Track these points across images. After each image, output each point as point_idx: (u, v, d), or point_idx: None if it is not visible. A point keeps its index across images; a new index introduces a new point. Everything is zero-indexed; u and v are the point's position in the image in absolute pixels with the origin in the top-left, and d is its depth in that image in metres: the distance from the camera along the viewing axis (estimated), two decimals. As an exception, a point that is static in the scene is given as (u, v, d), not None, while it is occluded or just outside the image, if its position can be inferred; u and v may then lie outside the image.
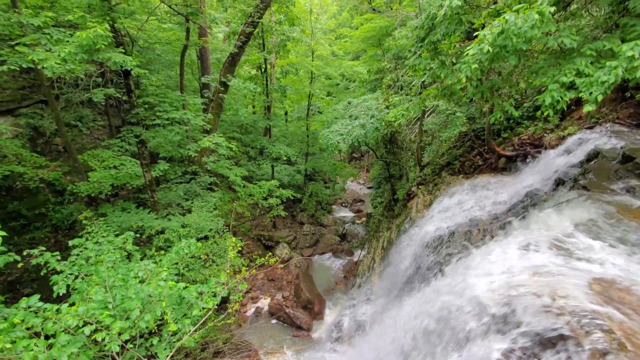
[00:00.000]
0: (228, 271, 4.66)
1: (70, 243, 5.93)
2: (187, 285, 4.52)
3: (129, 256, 6.27)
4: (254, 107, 20.01)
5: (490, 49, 3.81)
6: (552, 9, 3.65)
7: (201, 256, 7.63)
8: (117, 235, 6.47)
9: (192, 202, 9.20)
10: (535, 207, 5.45)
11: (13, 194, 9.91)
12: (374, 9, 17.49)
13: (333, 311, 12.44)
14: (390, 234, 12.60)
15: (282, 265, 12.11)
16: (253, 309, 11.71)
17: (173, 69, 14.16)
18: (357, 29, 19.14)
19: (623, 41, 4.04)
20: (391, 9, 15.73)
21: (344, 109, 14.53)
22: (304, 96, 18.45)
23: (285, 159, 15.56)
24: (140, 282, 5.08)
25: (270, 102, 16.45)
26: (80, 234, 6.53)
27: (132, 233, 5.95)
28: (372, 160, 25.20)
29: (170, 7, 9.60)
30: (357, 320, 10.19)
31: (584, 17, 6.78)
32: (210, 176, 10.49)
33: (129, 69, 7.29)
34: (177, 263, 7.33)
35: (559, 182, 6.42)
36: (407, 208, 12.47)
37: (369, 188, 26.07)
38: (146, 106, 9.41)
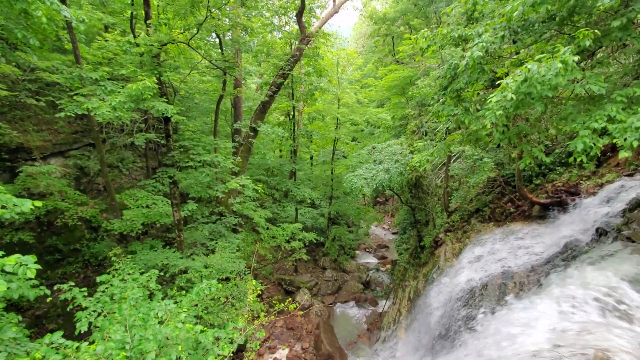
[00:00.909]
0: (246, 316, 4.52)
1: (98, 279, 6.06)
2: (204, 329, 4.41)
3: (151, 295, 6.30)
4: (280, 150, 20.79)
5: (514, 97, 3.83)
6: (576, 57, 3.68)
7: (221, 298, 7.52)
8: (142, 273, 6.57)
9: (216, 243, 9.31)
10: (575, 260, 5.03)
11: (53, 229, 10.51)
12: (397, 61, 18.38)
13: (355, 368, 11.53)
14: (417, 283, 11.92)
15: (301, 313, 11.62)
16: (270, 360, 11.09)
17: (209, 115, 15.25)
18: (381, 79, 20.04)
19: (656, 88, 3.95)
20: (414, 60, 16.46)
21: (369, 154, 14.73)
22: (330, 141, 19.01)
23: (309, 201, 15.68)
24: (159, 322, 5.02)
25: (296, 146, 17.07)
26: (107, 271, 6.70)
27: (156, 271, 6.03)
28: (396, 205, 24.78)
29: (210, 62, 10.60)
30: (382, 379, 9.35)
31: (611, 65, 6.75)
32: (236, 217, 10.69)
33: (169, 116, 7.93)
34: (196, 305, 7.26)
35: (601, 233, 5.96)
36: (434, 256, 11.89)
37: (393, 234, 25.32)
38: (182, 149, 10.05)
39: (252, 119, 12.24)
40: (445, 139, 8.23)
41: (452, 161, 14.44)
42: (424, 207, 14.55)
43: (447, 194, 13.61)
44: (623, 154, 3.58)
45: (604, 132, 4.09)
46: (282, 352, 11.59)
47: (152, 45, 8.25)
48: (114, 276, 6.39)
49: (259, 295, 12.52)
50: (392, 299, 13.85)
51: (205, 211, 10.97)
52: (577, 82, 4.48)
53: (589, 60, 6.59)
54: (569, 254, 6.08)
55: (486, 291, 6.89)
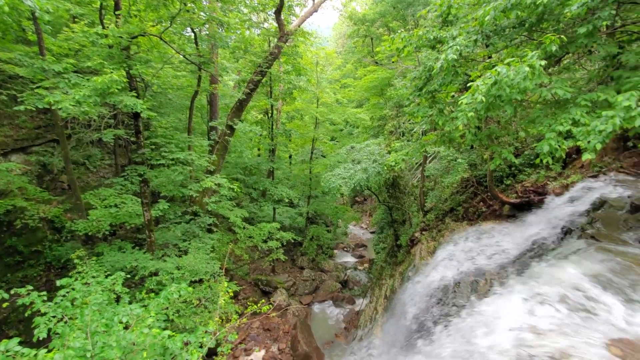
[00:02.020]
0: (217, 319, 4.37)
1: (58, 283, 5.70)
2: (172, 333, 4.22)
3: (118, 299, 6.00)
4: (259, 149, 20.50)
5: (484, 99, 3.90)
6: (543, 62, 3.79)
7: (193, 301, 7.27)
8: (107, 276, 6.24)
9: (189, 243, 9.01)
10: (542, 257, 5.21)
11: (13, 229, 9.84)
12: (376, 62, 18.57)
13: (332, 367, 11.52)
14: (394, 281, 12.07)
15: (274, 315, 11.47)
16: (246, 362, 10.88)
17: (183, 112, 14.78)
18: (360, 79, 20.19)
19: (618, 92, 4.13)
20: (392, 61, 16.68)
21: (347, 154, 14.78)
22: (308, 140, 18.93)
23: (287, 201, 15.53)
24: (125, 328, 4.77)
25: (274, 145, 16.86)
26: (70, 274, 6.32)
27: (122, 274, 5.74)
28: (374, 205, 25.06)
29: (184, 56, 10.25)
30: (358, 378, 9.38)
31: (577, 71, 7.06)
32: (211, 217, 10.39)
33: (139, 111, 7.58)
34: (167, 308, 6.98)
35: (567, 231, 6.22)
36: (410, 255, 12.08)
37: (371, 233, 25.59)
38: (153, 147, 9.65)
39: (229, 116, 11.96)
40: (421, 139, 8.36)
41: (428, 162, 14.75)
42: (400, 207, 14.77)
43: (423, 193, 13.87)
44: (587, 156, 3.72)
45: (569, 135, 4.25)
46: (258, 354, 11.41)
47: (121, 37, 7.86)
48: (76, 279, 6.03)
49: (234, 297, 12.26)
50: (369, 297, 13.97)
51: (178, 211, 10.60)
52: (545, 87, 4.64)
53: (556, 66, 6.87)
54: (537, 252, 6.31)
55: (459, 289, 7.04)
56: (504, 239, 8.35)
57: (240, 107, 12.13)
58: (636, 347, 2.55)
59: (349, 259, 21.21)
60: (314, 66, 18.11)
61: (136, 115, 8.46)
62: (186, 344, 4.24)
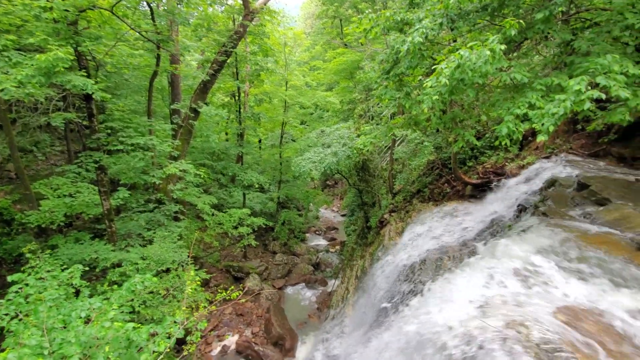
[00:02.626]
0: (184, 308, 4.27)
1: (9, 279, 5.30)
2: (138, 325, 4.08)
3: (77, 293, 5.70)
4: (226, 134, 19.83)
5: (448, 82, 3.97)
6: (503, 46, 3.89)
7: (160, 291, 7.06)
8: (64, 270, 5.88)
9: (154, 232, 8.65)
10: (499, 234, 5.55)
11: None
12: (345, 44, 18.36)
13: (305, 346, 11.80)
14: (364, 262, 12.42)
15: (244, 300, 11.47)
16: (219, 348, 10.87)
17: (142, 94, 13.88)
18: (330, 62, 19.92)
19: (570, 77, 4.37)
20: (361, 44, 16.57)
21: (317, 138, 14.70)
22: (278, 124, 18.57)
23: (257, 186, 15.29)
24: (86, 322, 4.55)
25: (243, 129, 16.38)
26: (22, 269, 5.89)
27: (80, 266, 5.43)
28: (345, 188, 25.40)
29: (140, 33, 9.52)
30: (330, 356, 9.69)
31: (535, 56, 7.38)
32: (176, 204, 10.00)
33: (91, 92, 7.01)
34: (132, 300, 6.73)
35: (522, 209, 6.64)
36: (380, 235, 12.44)
37: (342, 215, 26.02)
38: (109, 131, 9.02)
39: (193, 99, 11.39)
40: (389, 123, 8.46)
41: (396, 145, 15.04)
42: (370, 190, 15.05)
43: (391, 176, 14.20)
44: (540, 138, 3.93)
45: (525, 118, 4.46)
46: (232, 339, 11.44)
47: (67, 10, 7.13)
48: (29, 274, 5.64)
49: (205, 284, 12.08)
50: (341, 278, 14.32)
51: (140, 199, 10.09)
52: (504, 71, 4.80)
53: (516, 53, 7.12)
54: (495, 229, 6.72)
55: (424, 266, 7.35)
56: (466, 218, 8.80)
57: (204, 88, 11.58)
58: (578, 313, 2.80)
59: (321, 241, 21.52)
60: (282, 47, 17.58)
61: (88, 97, 7.82)
62: (153, 335, 4.11)
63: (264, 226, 14.22)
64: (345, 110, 20.89)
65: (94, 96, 7.41)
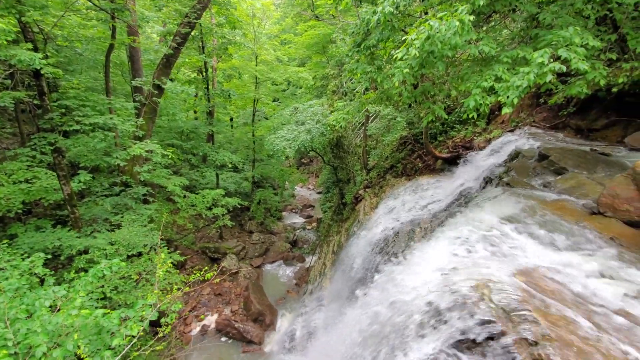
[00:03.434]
0: (156, 291, 4.19)
1: (-37, 272, 4.96)
2: (108, 311, 3.97)
3: (42, 282, 5.44)
4: (195, 112, 18.97)
5: (418, 54, 3.94)
6: (472, 17, 3.88)
7: (133, 276, 6.88)
8: (25, 259, 5.58)
9: (122, 217, 8.30)
10: (467, 204, 5.79)
11: None
12: (316, 17, 17.75)
13: (285, 321, 12.10)
14: (340, 237, 12.68)
15: (217, 280, 11.48)
16: (198, 328, 10.91)
17: (99, 70, 12.86)
18: (301, 35, 19.26)
19: (535, 50, 4.46)
20: (333, 17, 16.08)
21: (290, 115, 14.43)
22: (249, 101, 17.97)
23: (230, 166, 14.92)
24: (54, 311, 4.37)
25: (212, 107, 15.70)
26: (-23, 261, 5.51)
27: (41, 255, 5.15)
28: (320, 165, 25.41)
29: (91, 2, 8.68)
30: (310, 327, 10.00)
31: (502, 30, 7.47)
32: (144, 187, 9.58)
33: (39, 68, 6.39)
34: (102, 286, 6.53)
35: (487, 180, 6.93)
36: (355, 211, 12.66)
37: (318, 193, 26.20)
38: (63, 110, 8.36)
39: (155, 74, 10.70)
40: (362, 98, 8.40)
41: (370, 121, 15.08)
42: (345, 166, 15.15)
43: (365, 152, 14.32)
44: (505, 110, 4.04)
45: (492, 91, 4.55)
46: (211, 318, 11.49)
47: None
48: (-14, 266, 5.31)
49: (181, 266, 11.92)
50: (318, 254, 14.60)
51: (105, 182, 9.57)
52: (473, 43, 4.83)
53: (485, 27, 7.17)
54: (463, 200, 7.00)
55: (398, 238, 7.61)
56: (437, 191, 9.10)
57: (167, 63, 10.88)
58: (535, 274, 3.01)
59: (298, 219, 21.67)
60: (250, 19, 16.72)
61: (37, 74, 7.13)
62: (125, 319, 4.03)
63: (239, 206, 14.04)
64: (319, 86, 20.52)
65: (43, 72, 6.77)
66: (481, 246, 3.51)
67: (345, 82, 15.73)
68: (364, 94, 10.97)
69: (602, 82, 4.34)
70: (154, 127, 11.05)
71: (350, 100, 13.95)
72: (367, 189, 12.89)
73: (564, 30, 4.17)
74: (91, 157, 8.37)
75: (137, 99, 10.51)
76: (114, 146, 9.61)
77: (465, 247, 3.56)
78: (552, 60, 3.89)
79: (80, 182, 7.80)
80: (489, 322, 2.40)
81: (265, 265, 15.44)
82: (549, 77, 3.82)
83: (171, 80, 11.44)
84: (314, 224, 20.04)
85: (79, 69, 11.47)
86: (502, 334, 2.32)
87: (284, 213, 21.79)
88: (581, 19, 5.16)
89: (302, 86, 22.19)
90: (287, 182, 21.12)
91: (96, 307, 4.35)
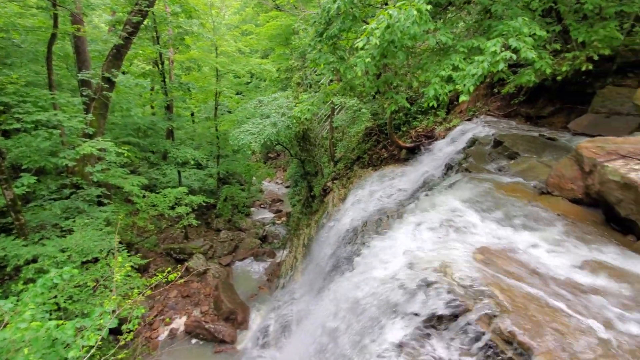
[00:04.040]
0: (113, 297, 3.93)
1: None
2: (61, 322, 3.66)
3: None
4: (152, 107, 17.94)
5: (379, 42, 3.97)
6: (429, 7, 3.96)
7: (89, 283, 6.42)
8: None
9: (74, 221, 7.68)
10: (430, 191, 6.00)
11: None
12: (277, 7, 17.39)
13: (258, 317, 11.97)
14: (310, 230, 12.70)
15: (181, 281, 11.11)
16: (166, 332, 10.48)
17: (42, 63, 11.73)
18: (262, 26, 18.80)
19: (488, 40, 4.66)
20: (295, 7, 15.84)
21: (255, 108, 14.10)
22: (211, 95, 17.29)
23: (193, 163, 14.33)
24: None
25: (170, 101, 14.89)
26: None
27: (-20, 268, 4.63)
28: (287, 159, 25.22)
29: (25, -15, 7.84)
30: (283, 321, 9.96)
31: (458, 22, 7.75)
32: (98, 188, 8.93)
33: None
34: (55, 297, 6.04)
35: (448, 167, 7.23)
36: (324, 203, 12.72)
37: (286, 187, 26.01)
38: (2, 108, 7.55)
39: (104, 66, 9.93)
40: (326, 89, 8.38)
41: (335, 113, 15.14)
42: (312, 159, 15.13)
43: (332, 144, 14.38)
44: (462, 98, 4.20)
45: (450, 80, 4.71)
46: (179, 321, 11.10)
47: None
48: None
49: (144, 270, 11.35)
50: (289, 248, 14.55)
51: (52, 185, 8.80)
52: (431, 34, 4.95)
53: (442, 19, 7.40)
54: (427, 187, 7.25)
55: (366, 228, 7.73)
56: (402, 180, 9.36)
57: (118, 54, 10.14)
58: (492, 252, 3.19)
59: (267, 214, 21.40)
60: (208, 8, 16.00)
61: (-38, 65, 6.34)
62: (81, 329, 3.74)
63: (204, 204, 13.57)
64: (283, 78, 20.21)
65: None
66: (443, 228, 3.66)
67: (310, 74, 15.63)
68: (329, 85, 10.97)
69: (548, 71, 4.64)
70: (106, 123, 10.30)
71: (315, 92, 13.90)
72: (335, 181, 12.98)
73: (514, 21, 4.39)
74: (35, 157, 7.64)
75: (85, 94, 9.71)
76: (61, 145, 8.83)
77: (428, 230, 3.69)
78: (503, 49, 4.09)
79: (23, 185, 7.10)
80: (452, 300, 2.50)
81: (235, 262, 15.13)
82: (501, 66, 4.02)
83: (123, 73, 10.68)
84: (284, 218, 19.91)
85: (17, 62, 10.38)
86: (465, 310, 2.43)
87: (252, 209, 21.42)
88: (528, 11, 5.47)
89: (266, 79, 21.75)
90: (254, 178, 20.73)
91: (50, 319, 3.99)
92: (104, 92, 9.58)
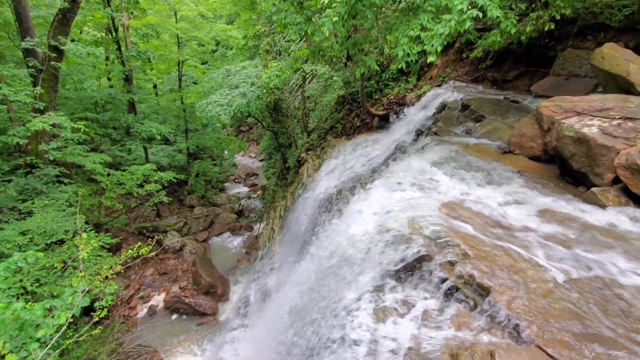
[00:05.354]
0: (82, 274, 3.81)
1: None
2: (28, 304, 3.53)
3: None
4: (109, 79, 16.65)
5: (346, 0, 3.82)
6: (396, -39, 3.82)
7: (56, 265, 6.17)
8: None
9: (32, 203, 7.21)
10: (402, 155, 6.13)
11: None
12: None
13: (238, 289, 12.16)
14: (286, 202, 12.74)
15: (153, 254, 10.99)
16: (145, 309, 10.45)
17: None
18: (225, -12, 17.52)
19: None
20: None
21: (222, 78, 13.43)
22: (173, 64, 16.22)
23: (160, 138, 13.65)
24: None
25: (129, 71, 13.82)
26: None
27: None
28: (260, 132, 24.69)
29: None
30: (263, 290, 10.18)
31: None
32: (55, 167, 8.35)
33: None
34: (21, 280, 5.79)
35: (419, 133, 7.36)
36: (299, 174, 12.71)
37: (260, 160, 25.65)
38: None
39: (50, 34, 8.98)
40: (295, 54, 8.08)
41: (307, 82, 14.77)
42: (285, 130, 14.87)
43: (305, 115, 14.16)
44: (430, 59, 4.20)
45: (419, 40, 4.66)
46: (158, 298, 11.07)
47: None
48: None
49: (116, 250, 11.05)
50: (266, 220, 14.59)
51: (4, 166, 8.14)
52: (399, -8, 4.83)
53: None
54: (399, 153, 7.38)
55: (340, 195, 7.85)
56: (375, 147, 9.47)
57: (64, 20, 9.17)
58: (456, 205, 3.38)
59: (242, 189, 21.17)
60: (163, -33, 14.64)
61: None
62: (50, 309, 3.63)
63: (175, 180, 13.15)
64: (251, 46, 19.26)
65: None
66: (413, 188, 3.78)
67: (279, 41, 14.99)
68: (298, 51, 10.59)
69: (513, 31, 4.70)
70: (57, 97, 9.47)
71: (285, 60, 13.40)
72: (309, 152, 12.93)
73: (480, -21, 4.33)
74: (-21, 136, 6.98)
75: (31, 65, 8.81)
76: (9, 122, 8.11)
77: (399, 191, 3.80)
78: (470, 7, 4.06)
79: (-31, 167, 6.52)
80: (419, 251, 2.64)
81: (211, 238, 15.04)
82: (468, 24, 4.01)
83: (72, 41, 9.71)
84: (259, 192, 19.79)
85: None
86: (430, 258, 2.58)
87: (226, 184, 21.07)
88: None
89: (232, 47, 20.64)
90: (226, 152, 20.20)
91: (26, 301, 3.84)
92: (52, 63, 8.72)
